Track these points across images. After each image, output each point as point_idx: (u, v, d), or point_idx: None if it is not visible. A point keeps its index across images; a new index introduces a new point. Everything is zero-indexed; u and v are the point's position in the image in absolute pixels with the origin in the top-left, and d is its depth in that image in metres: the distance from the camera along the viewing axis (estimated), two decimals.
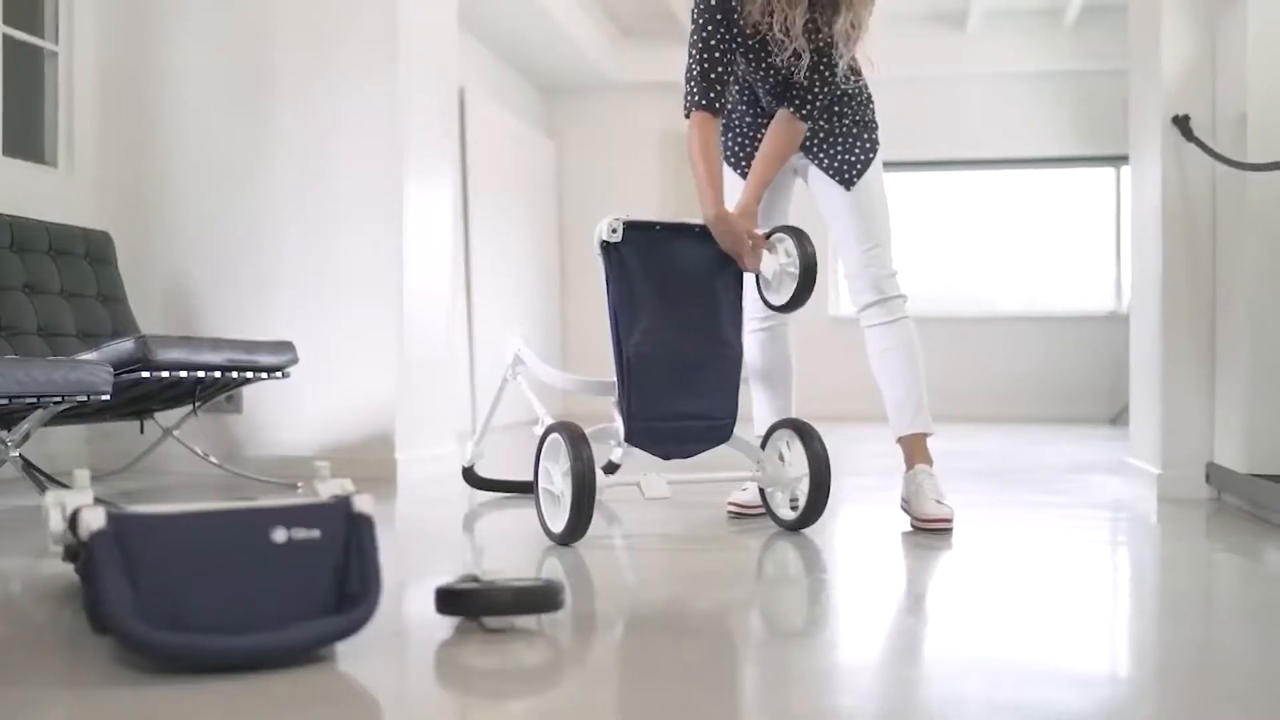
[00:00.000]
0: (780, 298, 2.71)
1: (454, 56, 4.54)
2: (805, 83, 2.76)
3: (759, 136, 2.92)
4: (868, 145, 2.92)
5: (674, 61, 8.55)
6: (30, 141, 4.15)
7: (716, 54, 2.70)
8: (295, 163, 4.13)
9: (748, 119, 2.96)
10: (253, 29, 4.16)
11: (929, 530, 2.73)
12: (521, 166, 7.66)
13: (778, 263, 2.68)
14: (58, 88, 4.18)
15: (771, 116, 2.86)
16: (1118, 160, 7.92)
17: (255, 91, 4.16)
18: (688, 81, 2.74)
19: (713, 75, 2.70)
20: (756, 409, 3.11)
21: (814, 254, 2.62)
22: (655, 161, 8.31)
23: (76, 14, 4.20)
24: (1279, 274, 3.16)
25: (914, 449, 2.87)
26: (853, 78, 2.88)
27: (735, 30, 2.72)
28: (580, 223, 8.32)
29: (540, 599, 1.74)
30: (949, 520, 2.74)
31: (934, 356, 8.02)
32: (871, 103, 2.98)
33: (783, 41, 2.70)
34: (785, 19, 2.66)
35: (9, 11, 4.01)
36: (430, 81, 4.30)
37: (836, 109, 2.90)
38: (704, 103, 2.71)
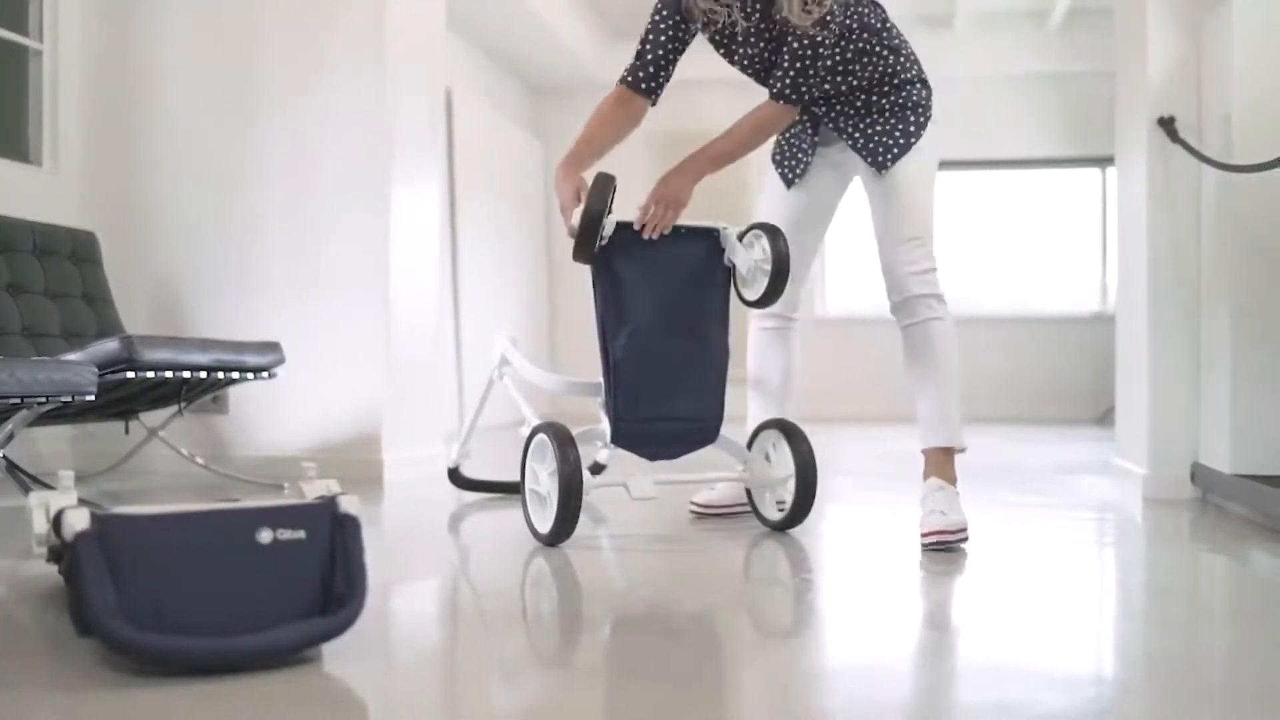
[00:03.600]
0: (753, 293, 2.71)
1: (441, 56, 4.53)
2: (784, 64, 2.62)
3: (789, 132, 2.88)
4: (910, 130, 2.70)
5: None
6: (15, 140, 4.13)
7: (662, 38, 2.71)
8: (282, 162, 4.11)
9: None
10: (240, 29, 4.15)
11: (928, 548, 2.48)
12: (509, 167, 7.65)
13: (752, 259, 2.68)
14: (43, 86, 4.16)
15: (807, 114, 2.80)
16: (1103, 161, 7.95)
17: (242, 91, 4.14)
18: (634, 57, 2.76)
19: (649, 57, 2.72)
20: (751, 410, 3.00)
21: (787, 252, 2.61)
22: (643, 162, 8.27)
23: (62, 12, 4.18)
24: (1264, 275, 3.18)
25: (931, 462, 2.65)
26: (889, 56, 2.70)
27: (693, 26, 2.71)
28: None
29: None
30: (942, 533, 2.47)
31: None
32: (918, 87, 2.75)
33: (742, 28, 2.66)
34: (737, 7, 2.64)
35: None
36: (418, 81, 4.29)
37: (877, 90, 2.71)
38: (629, 79, 2.75)
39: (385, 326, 4.03)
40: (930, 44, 7.97)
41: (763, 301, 2.68)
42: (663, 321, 2.63)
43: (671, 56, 2.74)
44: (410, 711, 1.40)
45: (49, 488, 2.54)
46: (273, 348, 3.65)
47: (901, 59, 2.74)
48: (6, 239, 3.62)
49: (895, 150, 2.69)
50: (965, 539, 2.50)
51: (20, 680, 1.50)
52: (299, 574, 1.59)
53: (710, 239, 2.72)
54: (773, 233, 2.64)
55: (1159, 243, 3.52)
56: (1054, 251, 8.30)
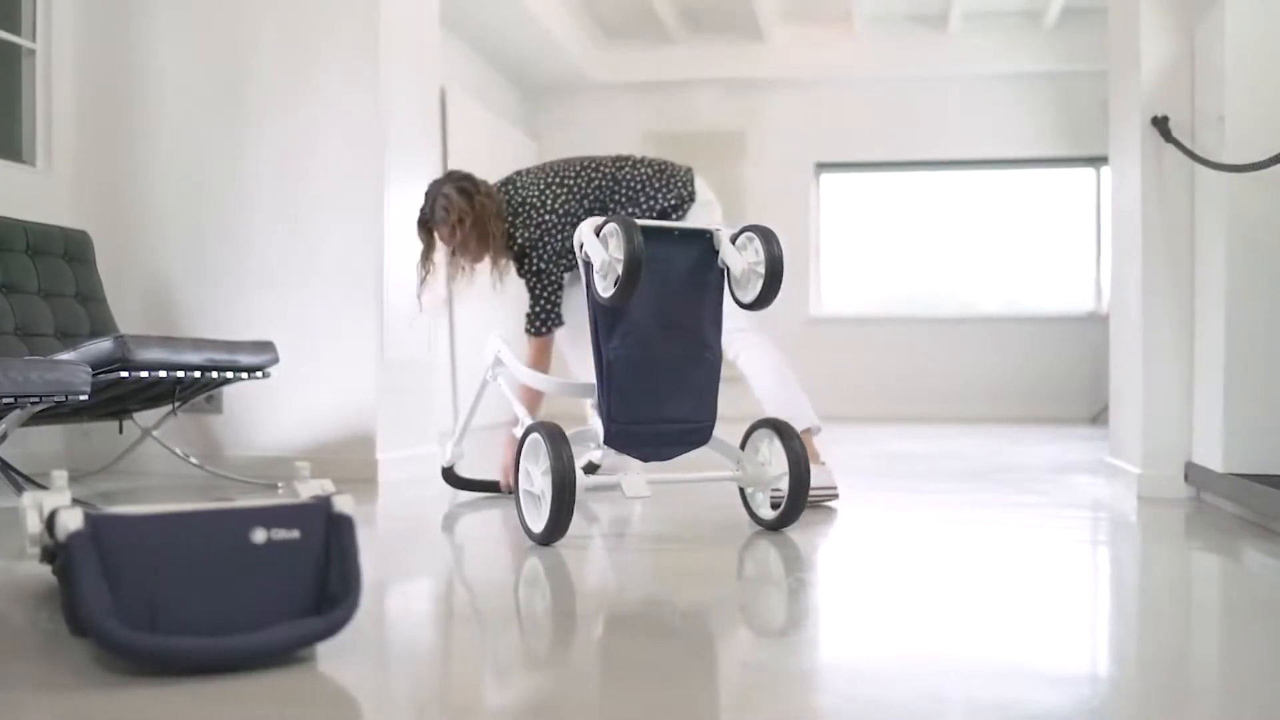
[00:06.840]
0: (748, 296, 2.71)
1: (435, 56, 4.53)
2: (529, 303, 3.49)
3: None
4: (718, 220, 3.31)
5: (656, 62, 8.53)
6: (8, 140, 4.12)
7: (557, 284, 3.54)
8: (276, 162, 4.11)
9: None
10: (233, 27, 4.15)
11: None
12: (504, 167, 7.60)
13: (746, 262, 2.68)
14: (36, 85, 4.16)
15: None
16: (1097, 161, 7.97)
17: (236, 90, 4.14)
18: (542, 310, 3.52)
19: (553, 304, 3.55)
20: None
21: (780, 254, 2.61)
22: None
23: (55, 12, 4.18)
24: (1256, 274, 3.18)
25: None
26: (656, 194, 3.34)
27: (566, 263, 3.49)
28: None
29: None
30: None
31: (915, 358, 8.02)
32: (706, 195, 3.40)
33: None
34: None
35: None
36: (411, 80, 4.29)
37: (675, 213, 3.34)
38: (545, 330, 3.50)
39: (379, 326, 4.03)
40: (925, 43, 8.00)
41: (758, 304, 2.68)
42: (656, 323, 2.63)
43: (560, 295, 3.50)
44: (405, 710, 1.40)
45: (42, 487, 2.54)
46: (267, 347, 3.65)
47: (667, 178, 3.37)
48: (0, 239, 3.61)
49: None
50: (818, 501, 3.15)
51: (14, 681, 1.50)
52: (293, 574, 1.59)
53: (704, 241, 2.72)
54: (766, 235, 2.64)
55: (1153, 242, 3.53)
56: (1048, 251, 8.31)
